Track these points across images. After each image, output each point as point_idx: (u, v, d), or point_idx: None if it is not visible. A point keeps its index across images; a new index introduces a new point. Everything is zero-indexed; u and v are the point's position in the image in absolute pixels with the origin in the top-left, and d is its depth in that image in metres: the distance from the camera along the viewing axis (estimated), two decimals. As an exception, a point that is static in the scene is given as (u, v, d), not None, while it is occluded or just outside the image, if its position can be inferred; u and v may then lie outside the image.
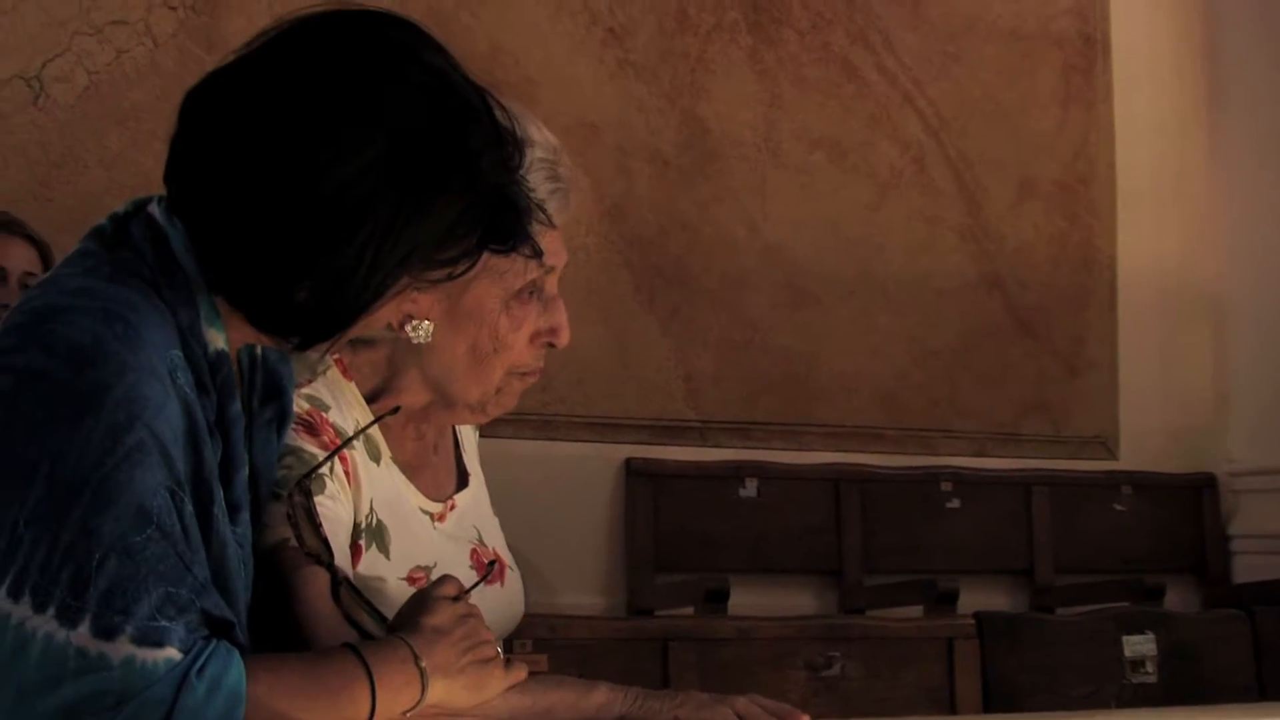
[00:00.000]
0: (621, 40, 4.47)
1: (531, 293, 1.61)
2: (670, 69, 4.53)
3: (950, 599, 4.06)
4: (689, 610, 3.98)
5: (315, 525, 1.50)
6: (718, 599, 3.88)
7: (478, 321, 1.59)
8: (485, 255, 1.40)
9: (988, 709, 3.17)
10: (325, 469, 1.52)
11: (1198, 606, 4.73)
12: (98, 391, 1.24)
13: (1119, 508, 4.87)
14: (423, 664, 1.39)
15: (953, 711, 3.57)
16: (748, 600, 4.02)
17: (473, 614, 1.47)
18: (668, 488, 4.36)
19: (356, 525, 1.56)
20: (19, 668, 1.19)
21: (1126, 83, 5.09)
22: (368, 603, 1.53)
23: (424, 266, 1.36)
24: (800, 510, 4.48)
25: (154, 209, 1.37)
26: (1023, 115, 4.96)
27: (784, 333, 4.58)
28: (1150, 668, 3.19)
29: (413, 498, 1.64)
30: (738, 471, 4.45)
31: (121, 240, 1.36)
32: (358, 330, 1.38)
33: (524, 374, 1.66)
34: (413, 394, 1.64)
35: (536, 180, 1.54)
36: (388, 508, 1.60)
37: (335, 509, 1.53)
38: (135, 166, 3.81)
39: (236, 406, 1.39)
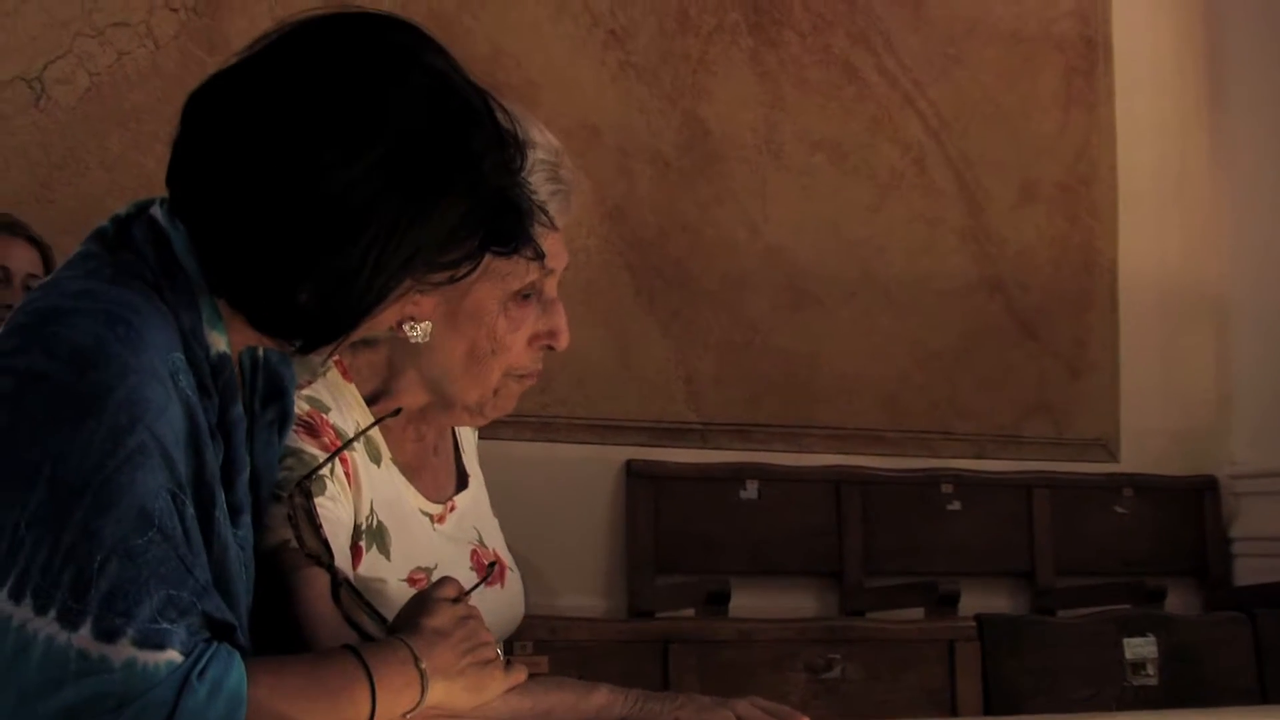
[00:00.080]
0: (623, 42, 4.47)
1: (530, 295, 1.61)
2: (671, 71, 4.53)
3: (951, 601, 4.06)
4: (689, 612, 3.98)
5: (316, 527, 1.50)
6: (718, 601, 3.88)
7: (476, 323, 1.59)
8: (487, 257, 1.40)
9: (988, 711, 3.17)
10: (326, 470, 1.53)
11: (1199, 609, 4.73)
12: (99, 394, 1.23)
13: (1120, 510, 4.86)
14: (423, 665, 1.39)
15: (953, 714, 3.57)
16: (748, 602, 4.02)
17: (473, 615, 1.47)
18: (668, 489, 4.36)
19: (357, 527, 1.56)
20: (20, 670, 1.19)
21: (1128, 85, 5.08)
22: (368, 604, 1.53)
23: (426, 269, 1.36)
24: (801, 512, 4.48)
25: (156, 211, 1.37)
26: (1024, 117, 4.95)
27: (785, 334, 4.58)
28: (1151, 670, 3.19)
29: (413, 499, 1.64)
30: (738, 473, 4.44)
31: (123, 242, 1.36)
32: (361, 333, 1.39)
33: (522, 376, 1.65)
34: (411, 395, 1.64)
35: (538, 182, 1.54)
36: (388, 509, 1.60)
37: (336, 510, 1.53)
38: (136, 168, 3.81)
39: (238, 409, 1.39)
